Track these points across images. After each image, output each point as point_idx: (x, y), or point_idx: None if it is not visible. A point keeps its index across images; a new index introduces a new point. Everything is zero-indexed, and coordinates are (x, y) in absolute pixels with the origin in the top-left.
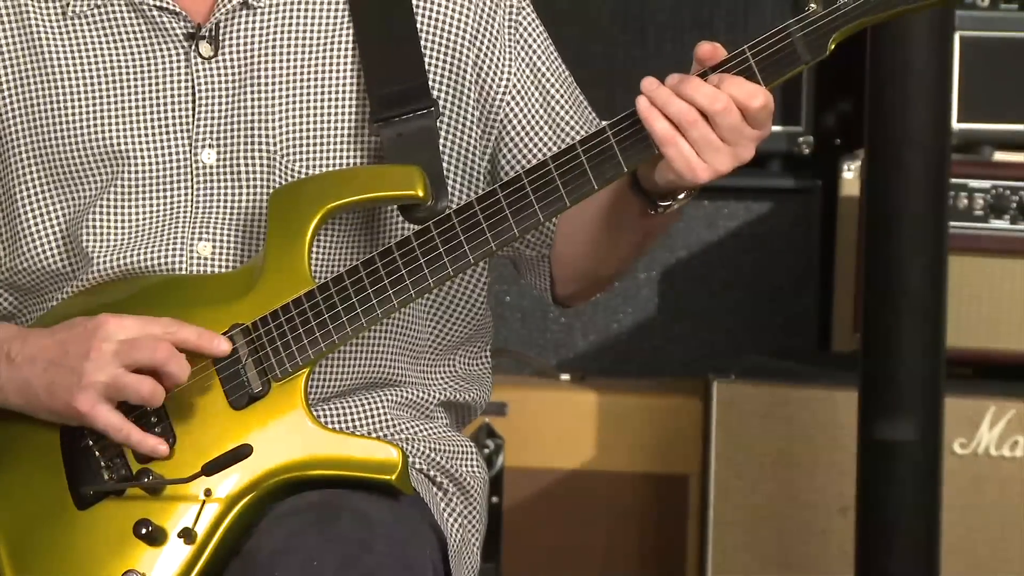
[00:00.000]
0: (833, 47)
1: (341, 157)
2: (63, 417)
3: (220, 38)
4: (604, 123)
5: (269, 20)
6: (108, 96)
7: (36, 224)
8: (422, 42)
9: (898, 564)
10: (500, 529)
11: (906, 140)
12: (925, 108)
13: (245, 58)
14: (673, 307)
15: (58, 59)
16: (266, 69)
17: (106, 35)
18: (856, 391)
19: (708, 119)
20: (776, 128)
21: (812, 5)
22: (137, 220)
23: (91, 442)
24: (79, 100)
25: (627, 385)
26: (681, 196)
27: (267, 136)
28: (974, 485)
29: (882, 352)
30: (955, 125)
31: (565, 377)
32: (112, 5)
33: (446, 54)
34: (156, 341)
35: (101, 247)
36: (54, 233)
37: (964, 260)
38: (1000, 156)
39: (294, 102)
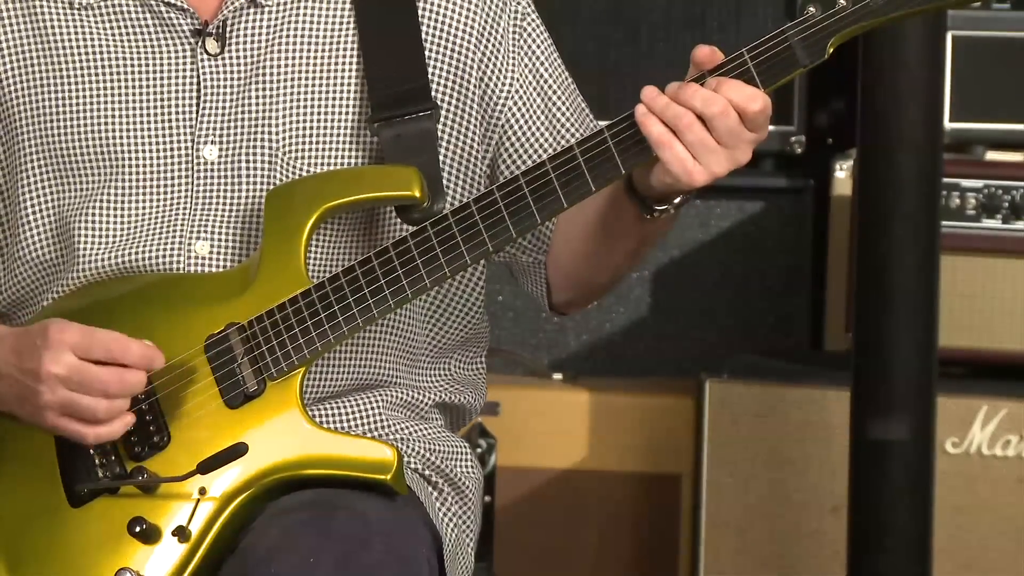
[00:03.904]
0: (832, 50)
1: (341, 157)
2: (42, 427)
3: (227, 35)
4: (602, 124)
5: (276, 19)
6: (112, 89)
7: (33, 213)
8: (426, 44)
9: (890, 563)
10: (492, 528)
11: (898, 140)
12: (917, 107)
13: (251, 56)
14: (665, 307)
15: (65, 50)
16: (271, 67)
17: (113, 28)
18: (848, 390)
19: (705, 122)
20: (768, 127)
21: (811, 8)
22: (135, 217)
23: None
24: (83, 92)
25: (619, 384)
26: (676, 201)
27: (269, 133)
28: (966, 484)
29: (874, 351)
30: (947, 124)
31: (557, 376)
32: None
33: (450, 57)
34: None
35: (97, 244)
36: (49, 222)
37: (956, 259)
38: (992, 155)
39: (297, 100)
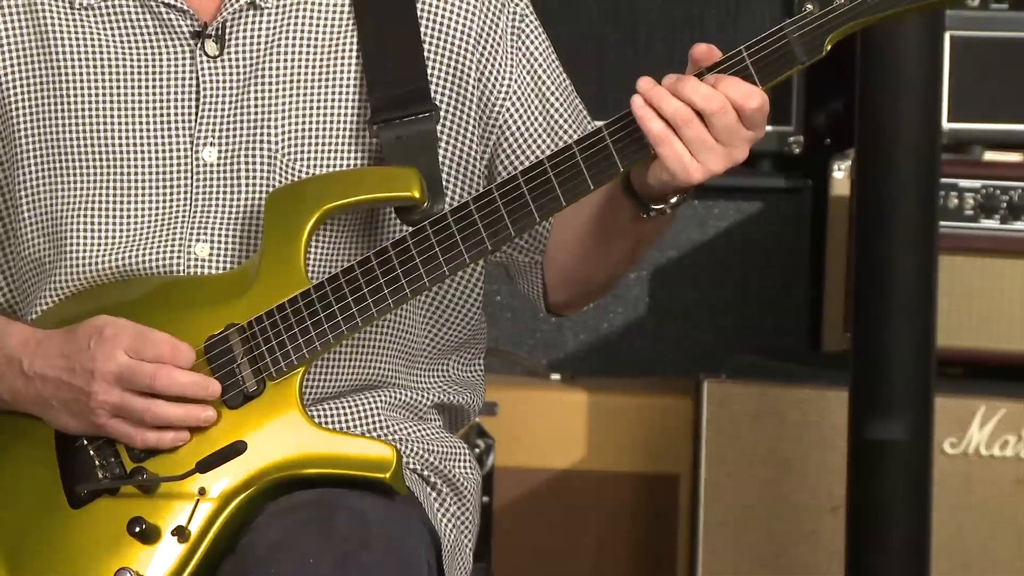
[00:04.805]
0: (830, 48)
1: (341, 158)
2: (85, 431)
3: (226, 37)
4: (600, 123)
5: (275, 21)
6: (111, 90)
7: (28, 210)
8: (426, 46)
9: (888, 564)
10: (490, 529)
11: (896, 140)
12: (915, 108)
13: (250, 58)
14: (663, 307)
15: (65, 49)
16: (270, 69)
17: (113, 29)
18: (846, 391)
19: (703, 119)
20: (766, 128)
21: (808, 6)
22: (134, 219)
23: (85, 441)
24: (82, 91)
25: (617, 385)
26: (674, 200)
27: (269, 135)
28: (964, 485)
29: (872, 352)
30: (945, 125)
31: (555, 377)
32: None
33: (449, 58)
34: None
35: (96, 245)
36: (42, 220)
37: (954, 260)
38: (990, 156)
39: (297, 102)
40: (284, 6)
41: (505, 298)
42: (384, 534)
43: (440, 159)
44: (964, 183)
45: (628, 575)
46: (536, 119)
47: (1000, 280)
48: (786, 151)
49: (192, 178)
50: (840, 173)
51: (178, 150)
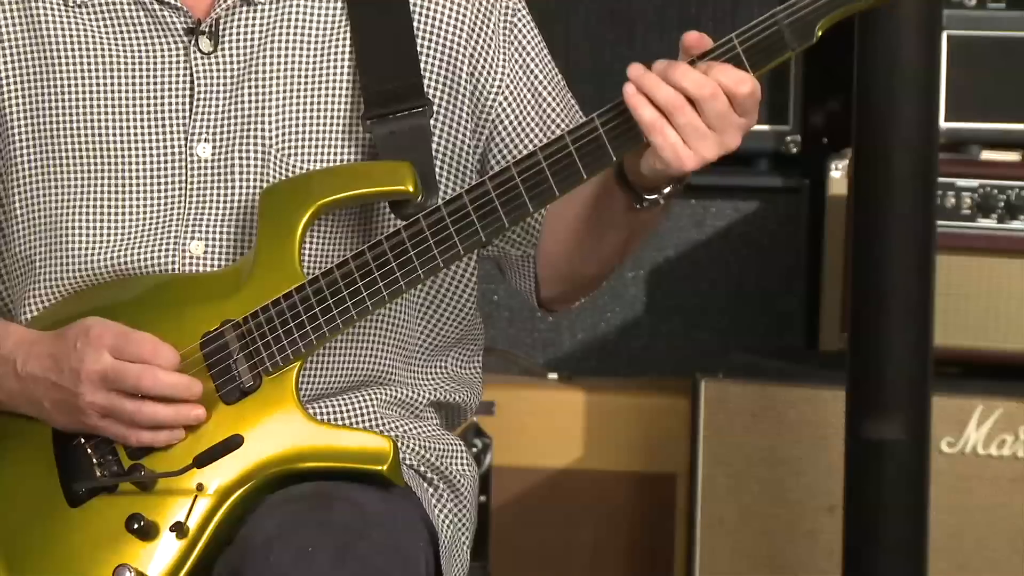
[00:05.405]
0: (820, 34)
1: (335, 153)
2: (79, 430)
3: (220, 34)
4: (593, 115)
5: (268, 17)
6: (105, 87)
7: (22, 210)
8: (419, 41)
9: (886, 563)
10: (488, 528)
11: (894, 139)
12: (913, 107)
13: (244, 54)
14: (661, 306)
15: (58, 46)
16: (264, 65)
17: (106, 26)
18: (844, 390)
19: (695, 105)
20: (764, 127)
21: None
22: (129, 217)
23: (83, 439)
24: (76, 89)
25: (615, 384)
26: (667, 189)
27: (263, 131)
28: (961, 484)
29: (870, 351)
30: (943, 124)
31: (553, 376)
32: None
33: (442, 53)
34: (140, 370)
35: (91, 244)
36: (36, 219)
37: (951, 259)
38: (987, 155)
39: (290, 98)
40: (277, 2)
41: (503, 298)
42: (382, 525)
43: (433, 153)
44: (961, 182)
45: (625, 575)
46: (528, 112)
47: (997, 279)
48: (783, 150)
49: (186, 175)
50: (837, 172)
51: (172, 147)
